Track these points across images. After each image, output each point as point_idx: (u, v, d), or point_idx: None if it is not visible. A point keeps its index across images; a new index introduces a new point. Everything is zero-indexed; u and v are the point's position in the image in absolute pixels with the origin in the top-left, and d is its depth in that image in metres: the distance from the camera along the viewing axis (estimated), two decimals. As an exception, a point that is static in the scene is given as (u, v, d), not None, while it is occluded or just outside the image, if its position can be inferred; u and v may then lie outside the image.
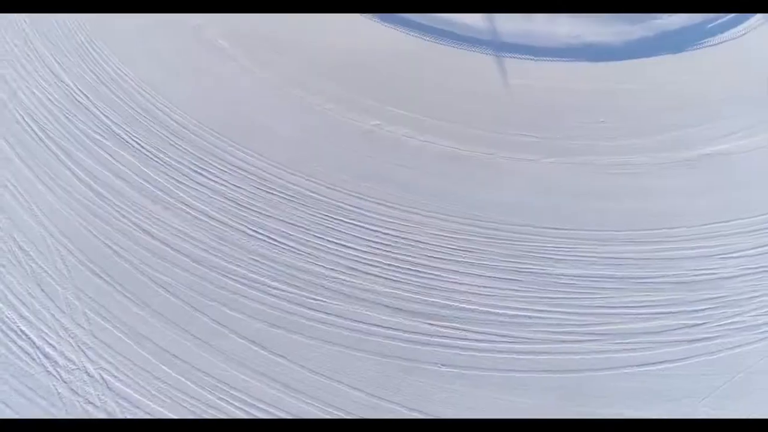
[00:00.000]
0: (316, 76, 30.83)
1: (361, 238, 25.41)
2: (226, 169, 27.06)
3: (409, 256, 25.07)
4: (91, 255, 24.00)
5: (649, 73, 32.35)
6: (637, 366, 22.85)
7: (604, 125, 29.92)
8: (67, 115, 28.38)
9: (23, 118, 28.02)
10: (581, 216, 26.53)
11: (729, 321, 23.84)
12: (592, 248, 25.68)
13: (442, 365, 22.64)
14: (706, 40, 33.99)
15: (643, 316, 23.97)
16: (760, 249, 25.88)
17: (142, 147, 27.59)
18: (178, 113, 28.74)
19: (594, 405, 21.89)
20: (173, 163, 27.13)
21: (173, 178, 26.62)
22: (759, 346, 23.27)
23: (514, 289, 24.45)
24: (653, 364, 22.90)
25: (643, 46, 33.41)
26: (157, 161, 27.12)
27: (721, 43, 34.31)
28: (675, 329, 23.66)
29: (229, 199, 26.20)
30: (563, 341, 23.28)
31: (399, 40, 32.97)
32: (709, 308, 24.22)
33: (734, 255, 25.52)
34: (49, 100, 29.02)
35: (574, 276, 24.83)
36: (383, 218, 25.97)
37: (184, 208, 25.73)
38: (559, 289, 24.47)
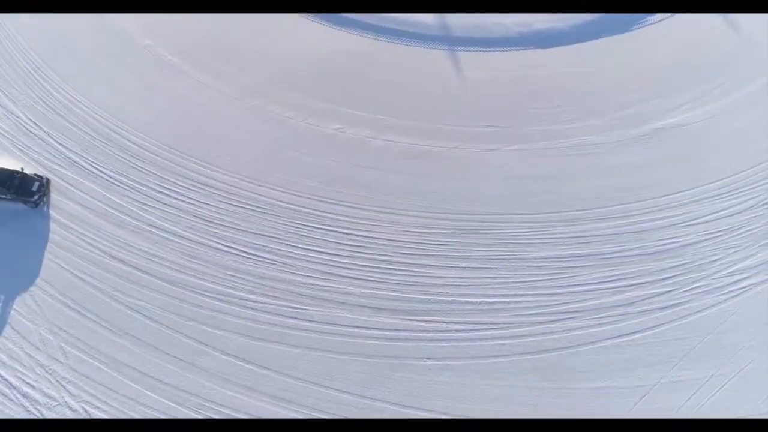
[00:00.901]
0: (273, 85, 30.73)
1: (334, 242, 25.54)
2: (191, 187, 26.81)
3: (384, 255, 25.33)
4: (61, 287, 23.54)
5: (596, 55, 33.23)
6: (612, 338, 23.67)
7: (560, 109, 30.71)
8: (21, 148, 27.62)
9: (-22, 156, 27.18)
10: (546, 199, 27.22)
11: (694, 286, 24.88)
12: (559, 229, 26.40)
13: (428, 359, 23.03)
14: (646, 18, 35.14)
15: (614, 289, 24.80)
16: (716, 214, 27.03)
17: (103, 173, 27.08)
18: (137, 135, 28.28)
19: (576, 380, 22.59)
20: (137, 186, 26.73)
21: (138, 201, 26.24)
22: (724, 306, 24.36)
23: (489, 277, 24.99)
24: (627, 334, 23.74)
25: (589, 29, 34.31)
26: (120, 186, 26.68)
27: (661, 21, 35.49)
28: (645, 299, 24.56)
29: (197, 217, 25.98)
30: (541, 322, 23.91)
31: (353, 43, 33.06)
32: (675, 275, 25.22)
33: (693, 222, 26.62)
34: (1, 134, 28.21)
35: (545, 258, 25.50)
36: (355, 221, 26.16)
37: (152, 230, 25.42)
38: (531, 272, 25.09)
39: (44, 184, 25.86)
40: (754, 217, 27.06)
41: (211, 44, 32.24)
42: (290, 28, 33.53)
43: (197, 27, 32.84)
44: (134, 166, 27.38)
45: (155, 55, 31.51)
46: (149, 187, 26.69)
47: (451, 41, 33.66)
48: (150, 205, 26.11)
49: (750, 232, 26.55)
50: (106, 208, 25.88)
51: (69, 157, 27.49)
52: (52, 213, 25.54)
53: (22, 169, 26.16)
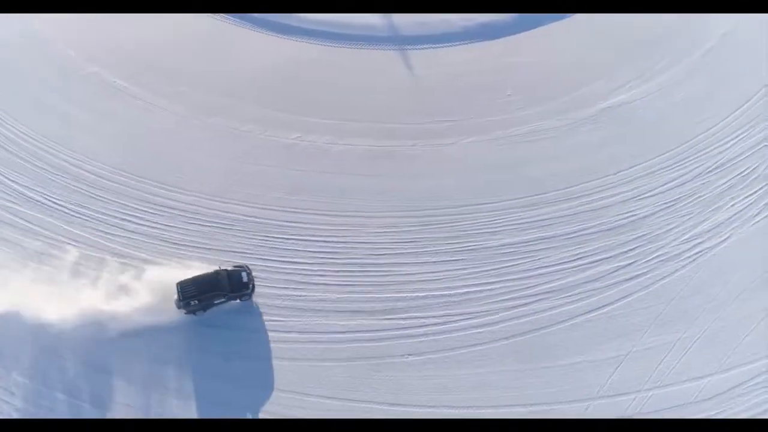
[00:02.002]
0: (226, 100, 30.56)
1: (306, 251, 25.66)
2: (154, 211, 26.48)
3: (356, 258, 25.61)
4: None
5: (540, 42, 34.24)
6: (583, 314, 24.54)
7: (511, 98, 31.54)
8: (-28, 189, 26.81)
9: (-77, 201, 26.20)
10: (507, 186, 27.96)
11: (654, 255, 26.02)
12: (522, 214, 27.16)
13: (409, 355, 23.43)
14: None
15: (580, 267, 25.71)
16: (668, 185, 28.29)
17: (61, 206, 26.49)
18: (93, 164, 27.72)
19: (552, 358, 23.36)
20: (98, 215, 26.23)
21: (101, 231, 25.78)
22: (684, 271, 25.56)
23: (460, 269, 25.55)
24: (597, 309, 24.68)
25: (531, 18, 35.20)
26: (80, 217, 26.16)
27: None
28: (609, 273, 25.56)
29: (164, 241, 25.70)
30: (513, 307, 24.60)
31: (300, 50, 33.10)
32: (636, 247, 26.32)
33: (647, 195, 27.79)
34: (-52, 176, 27.29)
35: (511, 244, 26.21)
36: (324, 227, 26.34)
37: (119, 260, 24.98)
38: (500, 259, 25.76)
39: (248, 271, 24.05)
40: (703, 183, 28.41)
41: (158, 66, 31.81)
42: (233, 41, 33.34)
43: (142, 50, 32.35)
44: (93, 195, 26.86)
45: (102, 81, 30.92)
46: (111, 215, 26.25)
47: (399, 41, 34.12)
48: (114, 234, 25.69)
49: (700, 198, 27.88)
50: (69, 242, 25.31)
51: (23, 194, 26.77)
52: (10, 251, 24.86)
53: (219, 266, 23.85)
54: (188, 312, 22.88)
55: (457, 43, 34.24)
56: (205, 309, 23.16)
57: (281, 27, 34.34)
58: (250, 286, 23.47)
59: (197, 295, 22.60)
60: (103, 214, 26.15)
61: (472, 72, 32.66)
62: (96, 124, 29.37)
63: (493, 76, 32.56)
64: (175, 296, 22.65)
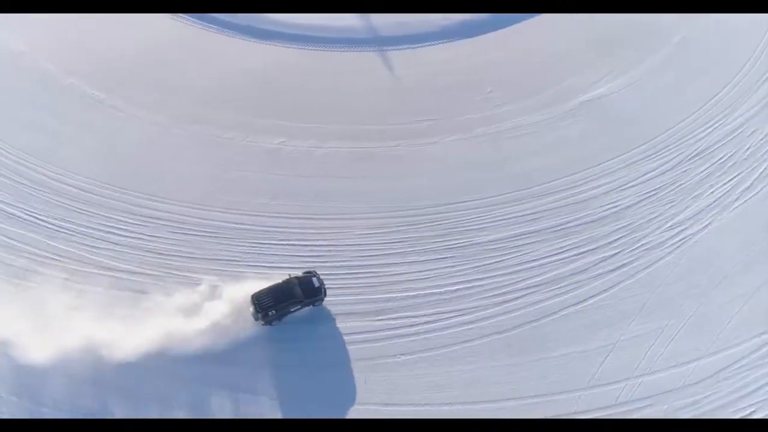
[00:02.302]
0: (207, 108, 30.39)
1: (293, 255, 25.63)
2: (139, 222, 26.25)
3: (344, 261, 25.66)
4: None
5: (517, 39, 34.58)
6: (571, 306, 24.84)
7: (492, 95, 31.82)
8: (-48, 207, 26.34)
9: None
10: (491, 183, 28.20)
11: (639, 245, 26.44)
12: (507, 210, 27.41)
13: (401, 355, 23.52)
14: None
15: (567, 259, 26.03)
16: (648, 175, 28.78)
17: (43, 221, 26.14)
18: (73, 177, 27.37)
19: (543, 350, 23.60)
20: (82, 229, 25.91)
21: (86, 244, 25.49)
22: (668, 259, 26.01)
23: (448, 266, 25.70)
24: (585, 300, 25.00)
25: (509, 15, 35.55)
26: (64, 232, 25.82)
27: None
28: (596, 264, 25.91)
29: (150, 252, 25.48)
30: (503, 302, 24.83)
31: (279, 55, 33.01)
32: (620, 237, 26.72)
33: (628, 186, 28.24)
34: (-75, 195, 26.78)
35: (498, 240, 26.43)
36: (310, 231, 26.34)
37: (105, 272, 24.73)
38: (488, 255, 25.97)
39: (317, 275, 24.05)
40: (683, 172, 28.95)
41: (137, 75, 31.53)
42: (212, 49, 33.19)
43: (120, 60, 32.03)
44: (76, 209, 26.52)
45: (81, 93, 30.57)
46: (95, 228, 25.95)
47: (379, 42, 34.22)
48: (99, 247, 25.41)
49: (681, 186, 28.40)
50: (53, 257, 24.99)
51: (2, 210, 26.35)
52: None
53: (289, 275, 23.74)
54: (266, 323, 22.94)
55: (436, 42, 34.45)
56: (280, 318, 23.17)
57: (260, 32, 34.26)
58: (322, 290, 23.56)
59: (274, 305, 22.87)
60: (87, 227, 25.85)
61: (451, 71, 32.90)
62: (76, 136, 29.03)
63: (472, 74, 32.83)
64: (251, 309, 22.70)
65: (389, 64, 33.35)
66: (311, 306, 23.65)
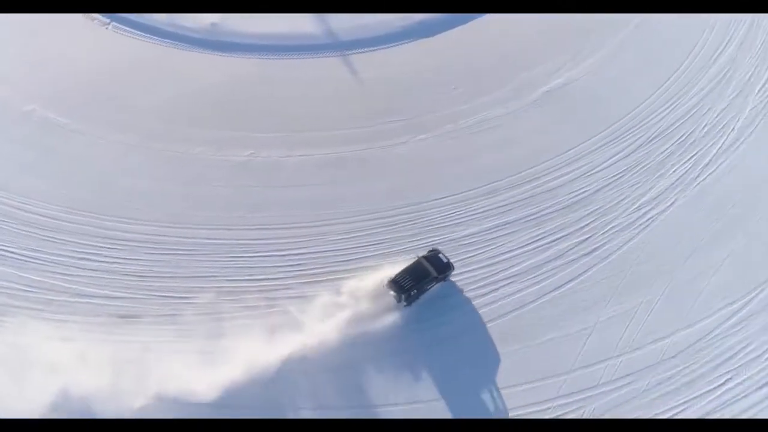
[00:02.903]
0: (172, 125, 30.10)
1: (273, 266, 25.66)
2: (113, 246, 25.96)
3: (324, 267, 25.78)
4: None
5: (477, 34, 35.10)
6: (549, 293, 25.42)
7: (457, 91, 32.29)
8: None
9: None
10: (462, 178, 28.66)
11: (609, 227, 27.19)
12: (480, 203, 27.88)
13: (391, 356, 23.72)
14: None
15: (541, 248, 26.63)
16: (612, 159, 29.59)
17: (13, 253, 25.63)
18: (41, 205, 26.89)
19: (525, 339, 24.11)
20: (55, 258, 25.49)
21: (60, 273, 25.08)
22: (637, 239, 26.85)
23: (427, 264, 26.03)
24: (561, 286, 25.61)
25: (465, 14, 36.11)
26: (35, 262, 25.36)
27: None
28: (569, 250, 26.58)
29: (128, 275, 25.23)
30: (482, 295, 25.32)
31: (239, 66, 32.86)
32: (590, 222, 27.44)
33: (595, 171, 29.01)
34: None
35: (474, 234, 26.89)
36: (288, 240, 26.40)
37: (82, 299, 24.41)
38: (464, 250, 26.37)
39: (441, 252, 25.43)
40: (646, 153, 29.86)
41: (97, 96, 31.10)
42: (170, 64, 32.92)
43: (79, 82, 31.54)
44: (46, 238, 26.10)
45: (42, 119, 30.02)
46: (68, 256, 25.58)
47: (338, 46, 34.38)
48: (74, 275, 25.05)
49: (645, 167, 29.31)
50: (26, 289, 24.54)
51: (-30, 246, 25.78)
52: (-32, 308, 23.92)
53: (417, 256, 24.99)
54: (408, 304, 24.31)
55: (396, 43, 34.75)
56: (418, 297, 24.55)
57: (219, 45, 34.15)
58: (450, 265, 24.85)
59: (414, 284, 24.08)
60: (60, 255, 25.44)
61: (413, 70, 33.29)
62: (39, 164, 28.51)
63: (434, 73, 33.25)
64: (392, 293, 24.15)
65: (352, 68, 33.56)
66: (443, 281, 24.82)
